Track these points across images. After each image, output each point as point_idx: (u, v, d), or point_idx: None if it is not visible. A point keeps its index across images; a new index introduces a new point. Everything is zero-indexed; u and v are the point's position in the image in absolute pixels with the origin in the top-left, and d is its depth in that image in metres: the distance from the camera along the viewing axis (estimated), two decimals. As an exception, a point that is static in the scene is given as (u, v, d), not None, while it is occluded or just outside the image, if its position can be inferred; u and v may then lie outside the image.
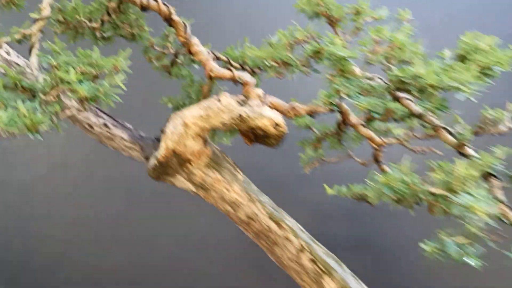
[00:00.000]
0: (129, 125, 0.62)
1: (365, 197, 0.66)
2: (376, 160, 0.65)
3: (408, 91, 0.48)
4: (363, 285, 0.60)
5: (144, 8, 0.57)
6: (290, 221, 0.58)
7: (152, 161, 0.56)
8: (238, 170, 0.59)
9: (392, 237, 1.07)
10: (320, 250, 0.59)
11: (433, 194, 0.44)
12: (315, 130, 0.69)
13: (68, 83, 0.43)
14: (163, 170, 0.57)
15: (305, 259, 0.58)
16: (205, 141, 0.57)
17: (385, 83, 0.52)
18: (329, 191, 0.62)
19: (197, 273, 1.11)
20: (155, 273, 1.12)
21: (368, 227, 1.08)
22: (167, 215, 1.13)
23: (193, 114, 0.55)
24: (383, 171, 0.55)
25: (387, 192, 0.45)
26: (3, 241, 1.12)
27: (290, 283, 0.94)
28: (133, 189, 1.13)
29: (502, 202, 0.46)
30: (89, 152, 1.13)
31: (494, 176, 0.47)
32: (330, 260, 0.59)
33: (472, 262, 0.40)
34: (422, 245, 0.43)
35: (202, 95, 0.64)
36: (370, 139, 0.61)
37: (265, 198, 0.59)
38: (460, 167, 0.43)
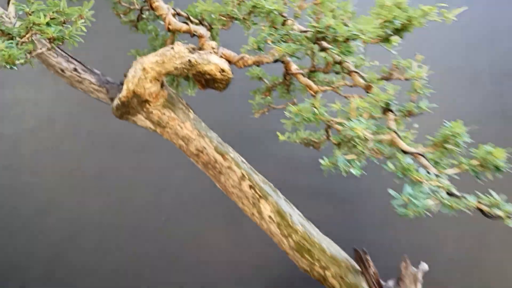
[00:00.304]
0: (97, 71, 0.72)
1: (309, 142, 0.76)
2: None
3: (325, 40, 0.58)
4: (295, 209, 0.71)
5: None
6: (233, 154, 0.69)
7: (116, 102, 0.66)
8: (190, 110, 0.69)
9: (353, 188, 1.17)
10: (258, 179, 0.69)
11: (339, 123, 0.55)
12: (265, 80, 0.79)
13: (39, 26, 0.53)
14: (126, 110, 0.67)
15: (245, 186, 0.69)
16: (161, 85, 0.66)
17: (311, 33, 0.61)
18: (281, 137, 0.73)
19: (172, 219, 1.22)
20: (135, 218, 1.23)
21: (331, 178, 1.18)
22: (146, 167, 1.23)
23: (150, 60, 0.65)
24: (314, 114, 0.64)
25: (297, 119, 0.55)
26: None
27: (255, 227, 1.07)
28: (115, 143, 1.23)
29: (394, 131, 0.56)
30: (74, 108, 1.23)
31: (391, 110, 0.58)
32: (267, 187, 0.70)
33: (354, 171, 0.51)
34: (320, 160, 0.53)
35: (165, 48, 0.73)
36: (308, 87, 0.70)
37: (212, 134, 0.69)
38: (355, 100, 0.53)
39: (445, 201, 0.49)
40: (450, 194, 0.50)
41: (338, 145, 0.69)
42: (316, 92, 0.72)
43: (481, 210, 0.51)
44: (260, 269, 1.19)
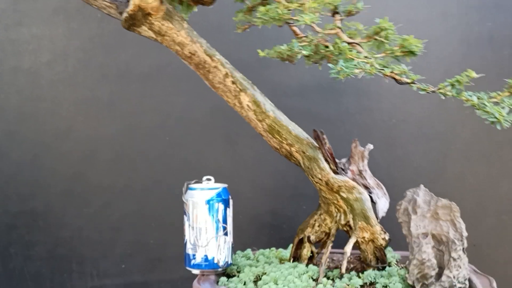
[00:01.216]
0: (109, -10, 0.91)
1: (284, 55, 0.96)
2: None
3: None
4: (267, 99, 0.92)
5: None
6: (219, 56, 0.89)
7: (124, 15, 0.86)
8: (184, 22, 0.88)
9: (333, 110, 1.36)
10: (239, 76, 0.90)
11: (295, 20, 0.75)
12: (247, 2, 0.97)
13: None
14: (132, 22, 0.86)
15: (228, 82, 0.89)
16: (161, 1, 0.85)
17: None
18: (261, 53, 0.92)
19: (176, 140, 1.42)
20: (143, 140, 1.43)
21: (314, 103, 1.37)
22: (152, 95, 1.42)
23: (151, -20, 0.84)
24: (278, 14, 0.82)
25: (265, 18, 0.74)
26: (17, 116, 1.42)
27: (248, 147, 1.28)
28: (124, 74, 1.42)
29: (339, 27, 0.76)
30: (86, 43, 1.42)
31: (338, 13, 0.77)
32: (245, 82, 0.90)
33: (305, 52, 0.71)
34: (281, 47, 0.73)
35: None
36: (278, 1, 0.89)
37: (202, 40, 0.89)
38: (308, 2, 0.72)
39: (366, 70, 0.69)
40: (371, 65, 0.70)
41: (308, 57, 0.89)
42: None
43: (394, 78, 0.71)
44: (254, 181, 1.40)
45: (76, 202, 1.43)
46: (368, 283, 0.88)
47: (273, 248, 1.10)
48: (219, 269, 0.96)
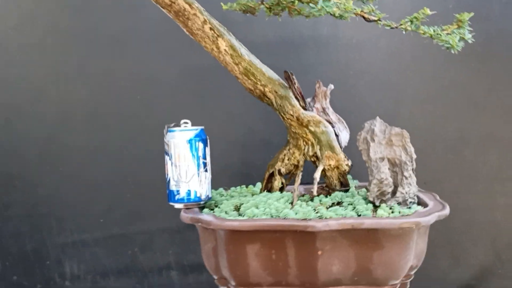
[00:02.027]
0: None
1: (247, 8, 1.06)
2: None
3: None
4: (242, 45, 1.03)
5: None
6: (197, 4, 0.98)
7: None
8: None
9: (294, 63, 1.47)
10: (216, 22, 1.00)
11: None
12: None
13: None
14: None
15: (207, 28, 0.99)
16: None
17: None
18: (224, 7, 1.02)
19: (147, 100, 1.50)
20: (117, 100, 1.50)
21: (279, 54, 1.48)
22: (122, 55, 1.49)
23: None
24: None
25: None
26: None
27: (229, 100, 1.37)
28: (93, 37, 1.48)
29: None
30: (53, 6, 1.46)
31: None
32: (222, 29, 1.01)
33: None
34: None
35: None
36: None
37: (181, -10, 0.98)
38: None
39: (342, 7, 0.81)
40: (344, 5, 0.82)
41: (269, 8, 1.00)
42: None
43: (363, 17, 0.84)
44: (225, 136, 1.50)
45: (52, 162, 1.49)
46: (336, 202, 1.02)
47: (243, 185, 1.22)
48: (202, 202, 1.07)
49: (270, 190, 1.13)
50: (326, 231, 0.88)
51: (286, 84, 1.04)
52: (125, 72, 1.49)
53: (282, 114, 1.04)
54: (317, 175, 1.04)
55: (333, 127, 1.08)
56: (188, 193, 1.05)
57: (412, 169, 1.05)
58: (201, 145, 1.06)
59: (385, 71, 1.47)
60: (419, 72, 1.46)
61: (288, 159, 1.11)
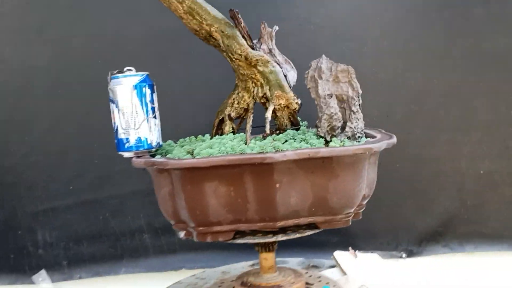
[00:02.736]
0: None
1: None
2: None
3: None
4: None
5: None
6: None
7: None
8: None
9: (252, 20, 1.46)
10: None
11: None
12: None
13: None
14: None
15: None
16: None
17: None
18: None
19: (110, 63, 1.45)
20: (79, 64, 1.46)
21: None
22: (82, 19, 1.44)
23: None
24: None
25: None
26: None
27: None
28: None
29: None
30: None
31: None
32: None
33: None
34: None
35: None
36: None
37: None
38: None
39: None
40: None
41: None
42: None
43: None
44: (188, 96, 1.48)
45: (17, 130, 1.43)
46: (289, 139, 1.04)
47: (192, 136, 1.21)
48: (153, 149, 1.05)
49: (220, 135, 1.13)
50: (283, 162, 0.90)
51: (232, 24, 1.04)
52: (85, 35, 1.44)
53: (230, 54, 1.04)
54: (268, 114, 1.06)
55: (280, 67, 1.10)
56: (138, 140, 1.03)
57: (359, 104, 1.09)
58: (148, 90, 1.04)
59: (346, 25, 1.49)
60: (380, 24, 1.50)
61: (237, 103, 1.12)
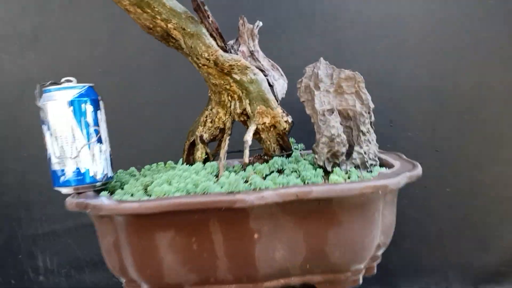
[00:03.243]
0: None
1: None
2: None
3: None
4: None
5: None
6: None
7: None
8: None
9: None
10: None
11: None
12: None
13: None
14: None
15: None
16: None
17: None
18: None
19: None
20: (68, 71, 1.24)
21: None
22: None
23: None
24: None
25: None
26: None
27: None
28: (45, 4, 1.26)
29: None
30: None
31: None
32: None
33: None
34: None
35: None
36: None
37: None
38: None
39: None
40: None
41: None
42: None
43: None
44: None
45: (13, 146, 1.27)
46: (275, 170, 0.79)
47: (161, 162, 0.97)
48: (98, 183, 0.81)
49: (192, 163, 0.89)
50: (261, 206, 0.65)
51: (196, 19, 0.79)
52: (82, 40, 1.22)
53: (195, 59, 0.80)
54: (248, 136, 0.80)
55: (265, 75, 0.85)
56: (77, 172, 0.79)
57: (371, 122, 0.83)
58: (89, 107, 0.80)
59: (381, 18, 1.23)
60: (425, 15, 1.21)
61: (211, 122, 0.87)
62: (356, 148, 0.81)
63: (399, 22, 1.19)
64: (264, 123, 0.82)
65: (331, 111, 0.82)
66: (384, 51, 1.18)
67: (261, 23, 0.87)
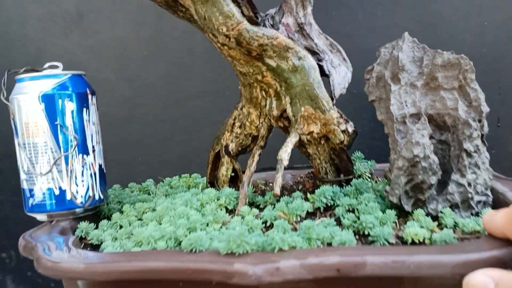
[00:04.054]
0: None
1: None
2: None
3: None
4: None
5: None
6: None
7: None
8: None
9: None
10: None
11: None
12: None
13: None
14: None
15: None
16: None
17: None
18: None
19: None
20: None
21: None
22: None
23: None
24: None
25: None
26: None
27: None
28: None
29: None
30: None
31: None
32: None
33: None
34: None
35: None
36: None
37: None
38: None
39: None
40: None
41: None
42: None
43: None
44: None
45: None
46: (321, 208, 0.52)
47: (186, 175, 0.74)
48: (78, 209, 0.59)
49: (215, 181, 0.65)
50: (276, 285, 0.39)
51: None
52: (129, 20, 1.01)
53: (211, 36, 0.54)
54: (285, 153, 0.54)
55: (319, 60, 0.57)
56: (50, 194, 0.58)
57: (482, 136, 0.53)
58: (69, 105, 0.59)
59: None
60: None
61: (240, 126, 0.62)
62: (455, 176, 0.51)
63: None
64: (311, 133, 0.55)
65: (417, 116, 0.52)
66: (493, 28, 0.83)
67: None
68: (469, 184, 0.51)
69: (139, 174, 0.85)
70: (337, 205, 0.52)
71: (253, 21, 0.53)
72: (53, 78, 0.59)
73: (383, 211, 0.49)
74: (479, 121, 0.52)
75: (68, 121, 0.58)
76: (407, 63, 0.53)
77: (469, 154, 0.52)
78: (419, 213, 0.49)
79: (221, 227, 0.48)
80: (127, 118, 0.96)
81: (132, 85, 0.96)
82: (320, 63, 0.57)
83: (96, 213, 0.62)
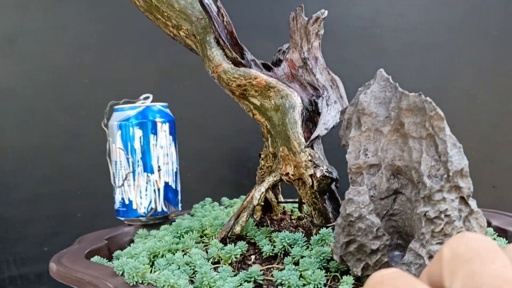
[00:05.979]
0: None
1: None
2: None
3: None
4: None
5: None
6: None
7: None
8: None
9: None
10: None
11: None
12: None
13: None
14: None
15: None
16: None
17: None
18: None
19: None
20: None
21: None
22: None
23: None
24: None
25: None
26: None
27: None
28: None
29: None
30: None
31: None
32: None
33: None
34: None
35: None
36: None
37: None
38: None
39: None
40: None
41: None
42: None
43: None
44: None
45: None
46: (281, 253, 0.53)
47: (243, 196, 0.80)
48: (142, 218, 0.75)
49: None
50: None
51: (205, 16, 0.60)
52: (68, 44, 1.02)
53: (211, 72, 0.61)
54: (257, 193, 0.56)
55: (318, 96, 0.57)
56: (122, 203, 0.76)
57: (463, 198, 0.44)
58: (138, 132, 0.74)
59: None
60: None
61: (264, 158, 0.66)
62: (414, 245, 0.44)
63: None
64: (287, 174, 0.56)
65: (377, 168, 0.47)
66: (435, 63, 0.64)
67: (325, 12, 0.58)
68: (430, 257, 0.44)
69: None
70: (291, 255, 0.52)
71: (237, 62, 0.57)
72: (131, 109, 0.75)
73: (320, 269, 0.47)
74: (447, 178, 0.43)
75: (137, 145, 0.74)
76: (373, 105, 0.48)
77: (429, 220, 0.43)
78: (348, 279, 0.45)
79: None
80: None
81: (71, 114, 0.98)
82: (316, 100, 0.56)
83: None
